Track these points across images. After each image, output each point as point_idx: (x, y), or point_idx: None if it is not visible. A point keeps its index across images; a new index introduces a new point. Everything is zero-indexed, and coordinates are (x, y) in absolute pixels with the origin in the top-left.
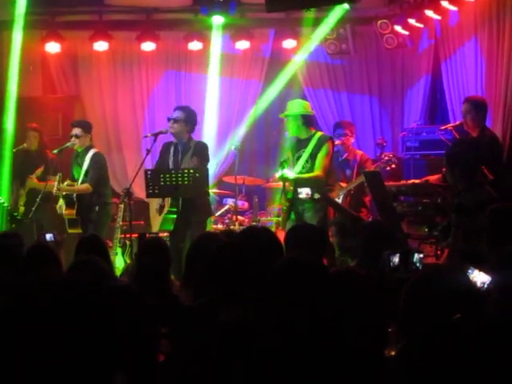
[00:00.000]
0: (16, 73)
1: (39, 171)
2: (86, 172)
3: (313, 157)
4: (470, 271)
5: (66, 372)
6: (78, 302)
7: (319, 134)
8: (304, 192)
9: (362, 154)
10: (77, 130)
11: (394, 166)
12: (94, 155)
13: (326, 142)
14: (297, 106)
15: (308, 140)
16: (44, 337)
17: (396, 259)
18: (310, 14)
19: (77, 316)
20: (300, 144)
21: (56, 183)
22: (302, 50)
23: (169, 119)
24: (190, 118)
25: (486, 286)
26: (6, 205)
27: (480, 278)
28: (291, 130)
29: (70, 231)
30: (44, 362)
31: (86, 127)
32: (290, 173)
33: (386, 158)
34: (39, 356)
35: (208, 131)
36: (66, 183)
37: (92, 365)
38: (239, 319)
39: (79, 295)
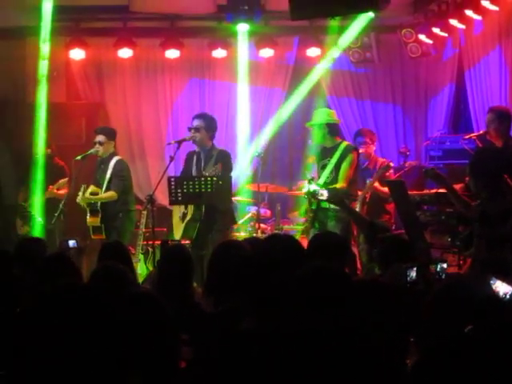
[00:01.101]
0: (43, 79)
1: (62, 182)
2: (110, 179)
3: (337, 167)
4: (492, 281)
5: (87, 378)
6: (99, 309)
7: (345, 143)
8: (324, 194)
9: (382, 161)
10: (100, 137)
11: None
12: (118, 162)
13: (351, 152)
14: (322, 115)
15: (333, 149)
16: (64, 343)
17: (413, 273)
18: (334, 23)
19: (98, 323)
20: (325, 153)
21: (80, 193)
22: (326, 58)
23: (190, 129)
24: (210, 125)
25: (508, 296)
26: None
27: (503, 288)
28: (316, 139)
29: (93, 237)
30: (64, 368)
31: (110, 134)
32: (316, 187)
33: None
34: (57, 362)
35: (231, 138)
36: (89, 190)
37: (113, 371)
38: (262, 327)
39: (100, 302)
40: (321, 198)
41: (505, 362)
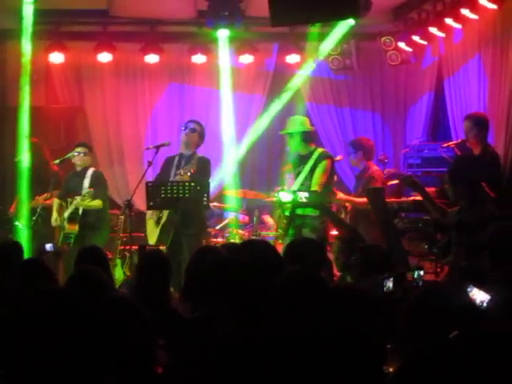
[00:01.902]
0: (24, 82)
1: (47, 196)
2: (90, 187)
3: (311, 174)
4: (469, 289)
5: (64, 382)
6: (75, 314)
7: (319, 150)
8: (303, 196)
9: (372, 171)
10: (81, 149)
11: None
12: (95, 173)
13: (325, 159)
14: (296, 123)
15: (308, 156)
16: (39, 347)
17: (390, 284)
18: (314, 29)
19: (74, 327)
20: (301, 160)
21: (55, 216)
22: (306, 65)
23: (185, 127)
24: (203, 133)
25: (485, 304)
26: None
27: (479, 296)
28: (292, 147)
29: (60, 245)
30: (39, 371)
31: (90, 148)
32: (288, 196)
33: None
34: (32, 366)
35: (210, 144)
36: (55, 202)
37: (89, 375)
38: (237, 332)
39: (76, 307)
40: (301, 201)
41: (481, 370)
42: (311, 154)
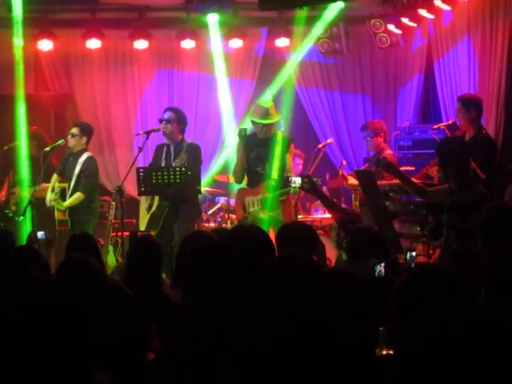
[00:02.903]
0: (18, 70)
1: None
2: (78, 176)
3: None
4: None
5: (53, 370)
6: (65, 301)
7: (280, 134)
8: (297, 182)
9: (386, 154)
10: (74, 129)
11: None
12: (88, 159)
13: (290, 143)
14: (274, 110)
15: (268, 139)
16: (28, 335)
17: (382, 269)
18: (302, 13)
19: (64, 315)
20: (258, 143)
21: (49, 194)
22: (297, 49)
23: (161, 120)
24: (181, 119)
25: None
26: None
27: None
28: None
29: (59, 228)
30: (28, 359)
31: (85, 130)
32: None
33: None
34: (22, 354)
35: (200, 129)
36: (53, 178)
37: (80, 362)
38: (226, 319)
39: (64, 294)
40: (293, 185)
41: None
42: (272, 136)
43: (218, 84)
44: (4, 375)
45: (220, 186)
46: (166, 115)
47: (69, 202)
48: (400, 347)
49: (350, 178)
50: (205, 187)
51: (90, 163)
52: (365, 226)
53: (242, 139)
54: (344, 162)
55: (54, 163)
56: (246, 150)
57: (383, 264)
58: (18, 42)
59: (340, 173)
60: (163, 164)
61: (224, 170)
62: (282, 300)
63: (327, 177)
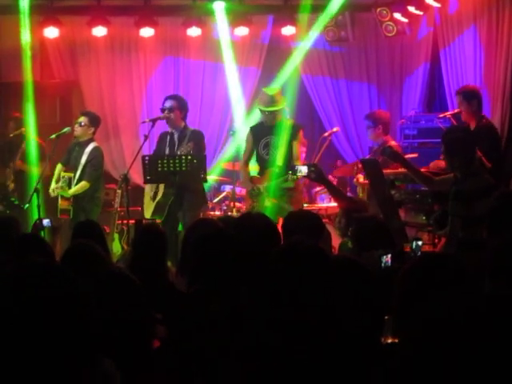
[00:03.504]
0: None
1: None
2: (84, 166)
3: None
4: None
5: (58, 358)
6: (71, 288)
7: (289, 121)
8: (303, 170)
9: (390, 145)
10: (82, 119)
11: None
12: (94, 149)
13: (299, 131)
14: (281, 98)
15: (275, 127)
16: (34, 321)
17: (388, 260)
18: (308, 1)
19: (69, 301)
20: (266, 130)
21: (53, 184)
22: (303, 38)
23: (163, 110)
24: (183, 105)
25: None
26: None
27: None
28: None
29: (60, 217)
30: (34, 346)
31: (93, 119)
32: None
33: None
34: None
35: (206, 117)
36: (57, 168)
37: (85, 350)
38: (231, 307)
39: (72, 280)
40: (299, 174)
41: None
42: (280, 124)
43: (225, 71)
44: (7, 362)
45: (226, 174)
46: (168, 104)
47: (74, 189)
48: (404, 335)
49: (359, 177)
50: (210, 175)
51: (96, 153)
52: (370, 215)
53: (250, 131)
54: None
55: (41, 144)
56: (255, 139)
57: (389, 255)
58: (24, 29)
59: (355, 173)
60: (167, 152)
61: (230, 158)
62: (288, 287)
63: (338, 163)
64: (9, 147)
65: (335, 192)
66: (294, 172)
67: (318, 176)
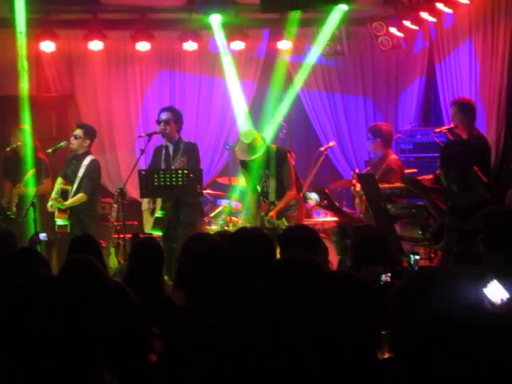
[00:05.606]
0: (21, 71)
1: (29, 175)
2: (81, 179)
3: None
4: (489, 283)
5: (55, 373)
6: (68, 302)
7: (273, 147)
8: (313, 197)
9: (390, 160)
10: (78, 131)
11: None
12: (91, 162)
13: (286, 156)
14: (259, 143)
15: (263, 156)
16: (32, 335)
17: (387, 279)
18: (304, 15)
19: (66, 316)
20: (252, 161)
21: (52, 198)
22: (298, 51)
23: (158, 122)
24: (178, 118)
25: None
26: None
27: (498, 292)
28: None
29: (58, 230)
30: (31, 361)
31: (89, 132)
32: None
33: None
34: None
35: (202, 131)
36: (57, 182)
37: (82, 365)
38: (227, 322)
39: (69, 295)
40: (310, 201)
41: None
42: (265, 153)
43: (221, 85)
44: (9, 377)
45: (221, 189)
46: (164, 116)
47: (71, 201)
48: (399, 349)
49: (357, 185)
50: (206, 190)
51: (94, 166)
52: (367, 225)
53: (241, 166)
54: (357, 171)
55: (41, 159)
56: (249, 173)
57: (389, 274)
58: (21, 42)
59: (353, 182)
60: (163, 166)
61: (225, 172)
62: (284, 302)
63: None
64: (17, 165)
65: (346, 218)
66: (304, 199)
67: (329, 204)
